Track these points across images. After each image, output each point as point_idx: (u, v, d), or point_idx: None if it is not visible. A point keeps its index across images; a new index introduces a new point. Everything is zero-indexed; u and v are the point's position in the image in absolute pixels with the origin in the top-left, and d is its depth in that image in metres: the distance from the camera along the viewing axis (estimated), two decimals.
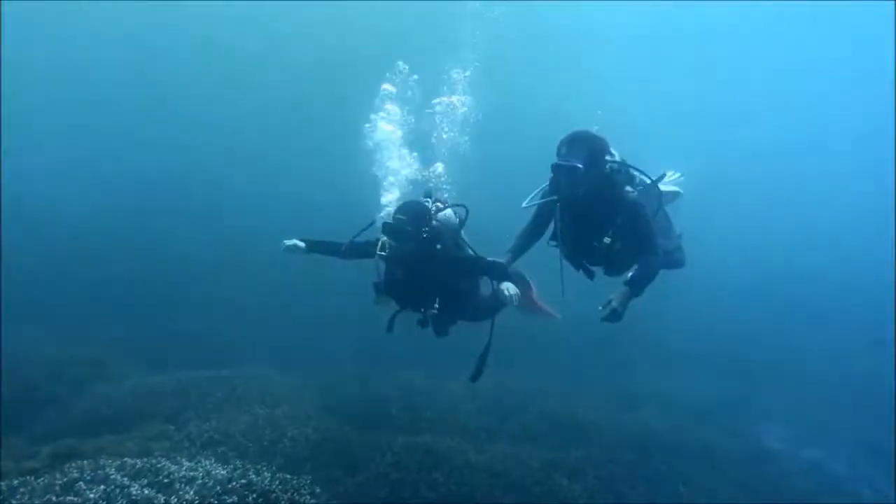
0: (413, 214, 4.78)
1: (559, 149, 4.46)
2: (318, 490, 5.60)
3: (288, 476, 5.49)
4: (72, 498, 4.74)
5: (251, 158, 28.42)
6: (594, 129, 4.50)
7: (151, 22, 28.82)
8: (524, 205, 4.99)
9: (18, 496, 5.03)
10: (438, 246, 4.82)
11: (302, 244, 5.18)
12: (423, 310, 5.06)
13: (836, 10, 27.37)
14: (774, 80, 30.73)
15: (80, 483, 5.18)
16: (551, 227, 5.12)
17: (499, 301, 5.02)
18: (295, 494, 5.14)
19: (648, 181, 4.81)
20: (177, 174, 25.44)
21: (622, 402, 12.56)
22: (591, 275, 5.00)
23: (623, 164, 4.62)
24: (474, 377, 5.08)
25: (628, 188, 4.53)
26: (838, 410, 14.27)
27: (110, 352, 12.07)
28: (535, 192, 4.98)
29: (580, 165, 4.28)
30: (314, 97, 28.18)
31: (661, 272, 5.01)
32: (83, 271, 16.79)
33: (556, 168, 4.46)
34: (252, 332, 14.20)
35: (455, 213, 5.20)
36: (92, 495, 4.73)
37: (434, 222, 4.89)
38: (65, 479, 5.34)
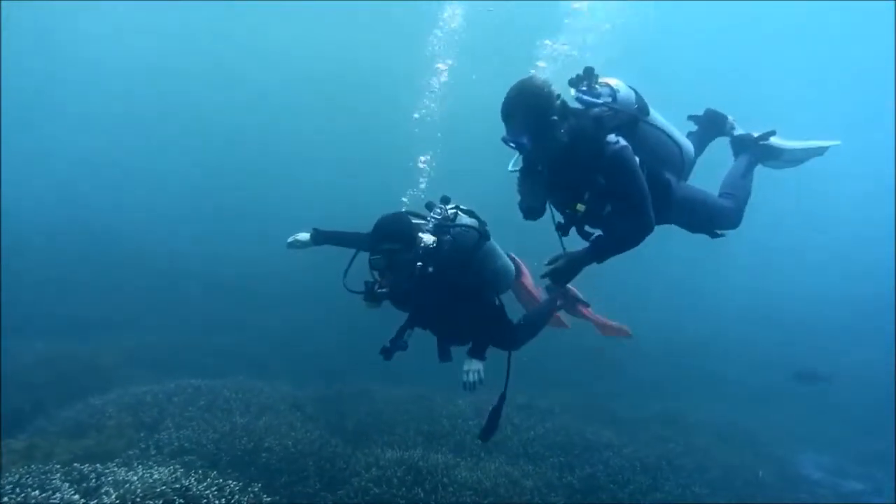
0: (391, 240, 4.02)
1: (502, 121, 3.66)
2: (266, 499, 5.18)
3: (231, 482, 5.07)
4: None
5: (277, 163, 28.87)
6: (534, 73, 3.72)
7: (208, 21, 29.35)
8: (510, 168, 4.08)
9: None
10: (430, 269, 4.03)
11: (305, 236, 4.70)
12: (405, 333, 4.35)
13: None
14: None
15: (12, 486, 4.92)
16: None
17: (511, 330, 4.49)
18: (233, 500, 4.71)
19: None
20: (194, 183, 25.96)
21: (639, 423, 11.80)
22: (587, 236, 3.94)
23: (608, 105, 3.65)
24: (485, 434, 4.34)
25: (610, 137, 3.50)
26: (885, 441, 13.17)
27: (121, 360, 12.05)
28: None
29: (524, 141, 3.52)
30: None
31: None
32: (101, 280, 16.98)
33: (506, 143, 3.66)
34: (258, 344, 14.09)
35: (468, 231, 4.27)
36: (5, 499, 4.42)
37: (446, 236, 4.12)
38: (6, 483, 5.10)
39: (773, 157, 4.61)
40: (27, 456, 6.69)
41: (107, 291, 16.58)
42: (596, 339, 5.41)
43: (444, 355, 4.53)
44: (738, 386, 16.25)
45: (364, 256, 4.28)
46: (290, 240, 4.74)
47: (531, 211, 3.97)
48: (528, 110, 3.48)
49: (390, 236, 3.99)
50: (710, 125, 4.56)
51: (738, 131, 4.65)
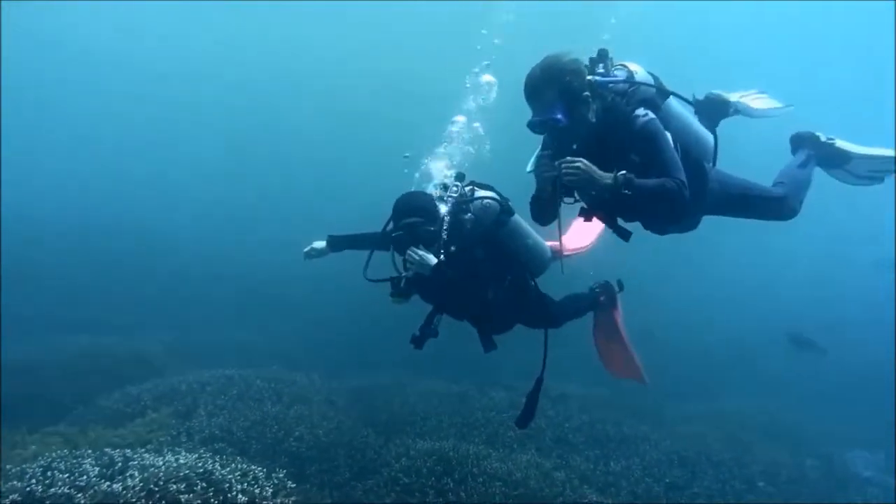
0: (412, 213, 3.93)
1: (527, 100, 3.46)
2: (291, 485, 5.17)
3: (256, 468, 5.08)
4: (14, 483, 4.54)
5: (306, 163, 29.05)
6: (561, 55, 3.37)
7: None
8: (528, 169, 3.79)
9: None
10: (453, 248, 3.92)
11: (321, 244, 4.64)
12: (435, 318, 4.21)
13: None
14: None
15: (42, 469, 5.00)
16: None
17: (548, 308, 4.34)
18: (255, 487, 4.71)
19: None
20: (226, 184, 26.34)
21: (678, 418, 11.52)
22: (625, 235, 3.75)
23: (630, 81, 3.49)
24: (521, 421, 4.11)
25: (639, 111, 3.34)
26: None
27: (158, 353, 12.28)
28: (538, 150, 3.81)
29: (559, 116, 3.27)
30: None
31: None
32: (124, 280, 17.44)
33: (532, 128, 3.45)
34: (288, 341, 14.24)
35: (489, 204, 4.11)
36: (33, 481, 4.51)
37: (468, 214, 4.02)
38: (37, 468, 5.19)
39: (837, 161, 4.29)
40: (67, 442, 6.83)
41: (130, 291, 17.02)
42: (634, 333, 5.17)
43: (488, 345, 4.40)
44: (783, 382, 15.76)
45: (384, 256, 4.23)
46: (306, 250, 4.68)
47: (543, 212, 3.71)
48: (561, 85, 3.30)
49: (410, 210, 3.90)
50: (713, 109, 4.25)
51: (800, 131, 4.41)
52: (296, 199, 25.75)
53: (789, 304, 21.63)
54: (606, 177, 3.17)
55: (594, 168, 3.17)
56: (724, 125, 4.17)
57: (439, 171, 4.57)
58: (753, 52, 27.69)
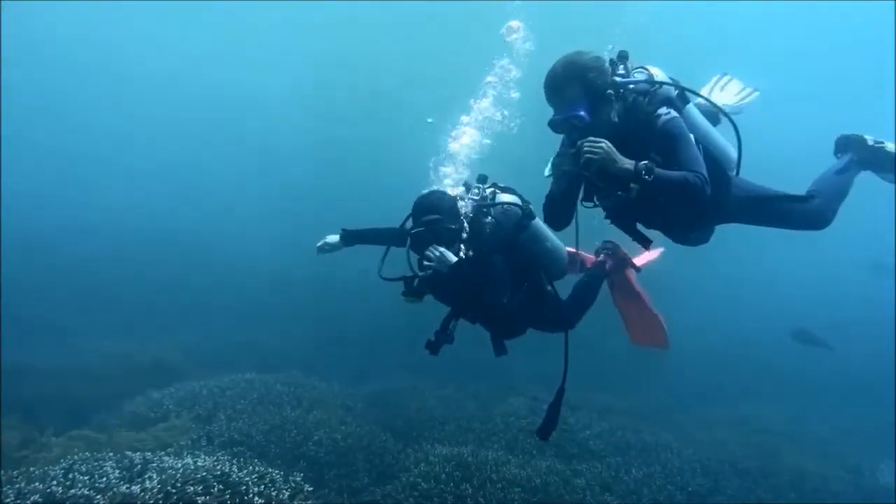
0: (432, 211, 3.85)
1: (547, 99, 3.38)
2: (308, 488, 5.17)
3: (272, 471, 5.09)
4: (36, 484, 4.59)
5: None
6: (583, 53, 3.32)
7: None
8: (547, 173, 3.65)
9: (14, 482, 4.95)
10: (470, 253, 3.87)
11: (335, 238, 4.58)
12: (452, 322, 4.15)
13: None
14: None
15: (64, 471, 5.05)
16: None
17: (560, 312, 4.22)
18: (272, 490, 4.71)
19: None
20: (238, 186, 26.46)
21: (702, 425, 11.35)
22: (645, 241, 3.69)
23: (652, 81, 3.40)
24: (543, 432, 3.89)
25: (661, 110, 3.27)
26: None
27: (179, 358, 12.41)
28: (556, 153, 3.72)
29: (583, 113, 3.21)
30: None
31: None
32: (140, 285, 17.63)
33: (553, 127, 3.37)
34: (305, 345, 14.26)
35: (510, 209, 4.05)
36: (54, 482, 4.57)
37: (488, 218, 3.97)
38: (59, 469, 5.24)
39: (889, 165, 4.00)
40: (90, 445, 6.90)
41: (149, 296, 17.24)
42: None
43: (499, 349, 4.33)
44: (799, 385, 15.49)
45: (399, 253, 4.19)
46: (319, 244, 4.61)
47: (557, 213, 3.67)
48: (584, 82, 3.25)
49: (431, 208, 3.84)
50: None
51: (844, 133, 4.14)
52: (307, 203, 25.80)
53: (798, 304, 21.38)
54: (628, 162, 3.09)
55: (616, 152, 3.09)
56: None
57: (472, 138, 4.49)
58: (758, 52, 27.43)
